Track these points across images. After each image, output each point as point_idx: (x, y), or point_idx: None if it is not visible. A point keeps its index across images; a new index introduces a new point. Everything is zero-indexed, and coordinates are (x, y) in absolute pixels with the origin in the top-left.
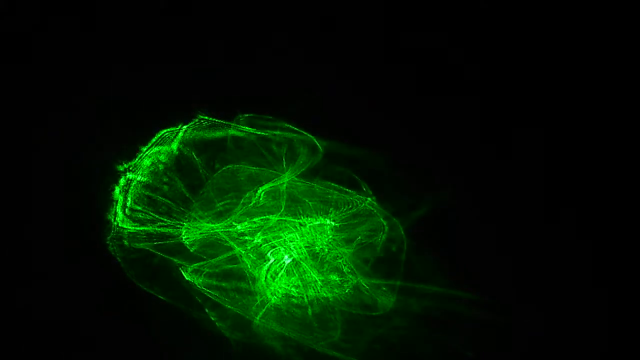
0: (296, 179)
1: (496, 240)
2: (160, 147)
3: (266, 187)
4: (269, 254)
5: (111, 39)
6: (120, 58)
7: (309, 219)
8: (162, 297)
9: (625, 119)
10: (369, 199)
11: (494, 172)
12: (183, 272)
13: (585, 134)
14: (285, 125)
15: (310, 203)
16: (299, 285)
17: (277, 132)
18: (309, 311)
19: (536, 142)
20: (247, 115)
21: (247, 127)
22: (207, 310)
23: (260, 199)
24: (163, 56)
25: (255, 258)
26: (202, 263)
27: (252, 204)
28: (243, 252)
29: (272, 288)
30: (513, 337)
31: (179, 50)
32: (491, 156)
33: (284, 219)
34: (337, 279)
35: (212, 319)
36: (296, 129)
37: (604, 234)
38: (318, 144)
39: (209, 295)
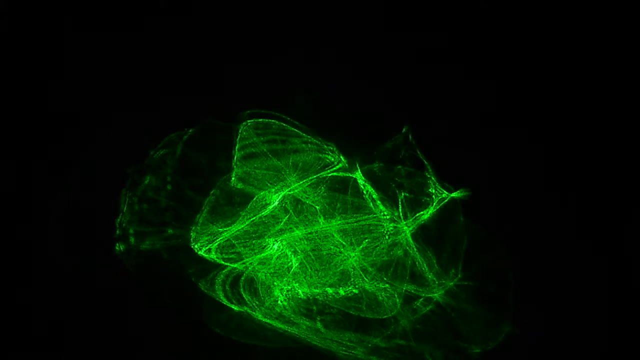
0: (303, 182)
1: (498, 241)
2: (167, 150)
3: (274, 190)
4: (275, 257)
5: (111, 40)
6: (121, 59)
7: (316, 222)
8: (166, 298)
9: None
10: (375, 201)
11: (496, 172)
12: (189, 273)
13: (586, 135)
14: (291, 128)
15: (316, 206)
16: (306, 287)
17: (284, 135)
18: (315, 311)
19: (537, 142)
20: (253, 120)
21: (252, 130)
22: (211, 312)
23: (269, 203)
24: (163, 58)
25: (262, 261)
26: (208, 265)
27: (262, 210)
28: (250, 254)
29: (279, 290)
30: (513, 337)
31: (180, 52)
32: (492, 157)
33: (291, 222)
34: (343, 281)
35: (217, 319)
36: (302, 133)
37: (605, 234)
38: (326, 147)
39: (214, 297)
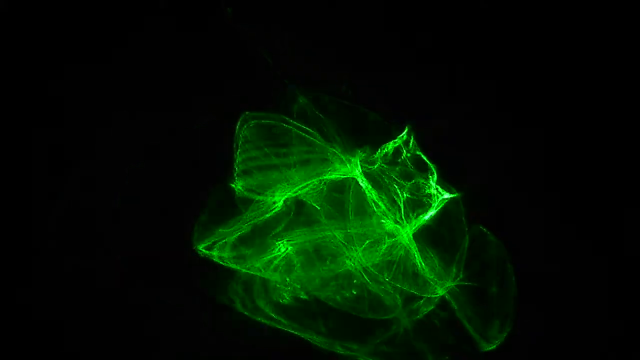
0: (306, 183)
1: (498, 241)
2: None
3: (276, 192)
4: (278, 258)
5: (111, 40)
6: (120, 59)
7: (318, 223)
8: (167, 299)
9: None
10: (376, 202)
11: (496, 172)
12: (191, 274)
13: (587, 135)
14: (293, 129)
15: (318, 207)
16: (308, 288)
17: (286, 136)
18: (316, 312)
19: (537, 142)
20: (254, 120)
21: (254, 131)
22: (214, 312)
23: (272, 204)
24: (164, 58)
25: (264, 262)
26: (211, 266)
27: (265, 212)
28: (252, 255)
29: (280, 291)
30: (513, 337)
31: (180, 52)
32: (492, 156)
33: (293, 223)
34: (345, 281)
35: (219, 319)
36: (303, 134)
37: (605, 234)
38: (328, 148)
39: (216, 297)
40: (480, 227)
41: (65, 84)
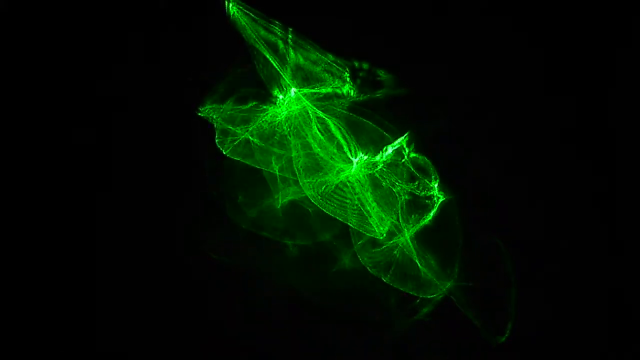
0: (307, 184)
1: (498, 241)
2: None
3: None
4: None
5: (110, 40)
6: (120, 59)
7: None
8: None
9: None
10: (379, 202)
11: (497, 173)
12: None
13: (586, 134)
14: (294, 129)
15: (320, 208)
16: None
17: (288, 137)
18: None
19: (536, 143)
20: (256, 122)
21: (257, 132)
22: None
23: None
24: (163, 58)
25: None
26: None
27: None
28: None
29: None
30: (513, 336)
31: (180, 51)
32: (494, 157)
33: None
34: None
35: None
36: (306, 135)
37: (605, 234)
38: (332, 151)
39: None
40: (480, 227)
41: (65, 84)
